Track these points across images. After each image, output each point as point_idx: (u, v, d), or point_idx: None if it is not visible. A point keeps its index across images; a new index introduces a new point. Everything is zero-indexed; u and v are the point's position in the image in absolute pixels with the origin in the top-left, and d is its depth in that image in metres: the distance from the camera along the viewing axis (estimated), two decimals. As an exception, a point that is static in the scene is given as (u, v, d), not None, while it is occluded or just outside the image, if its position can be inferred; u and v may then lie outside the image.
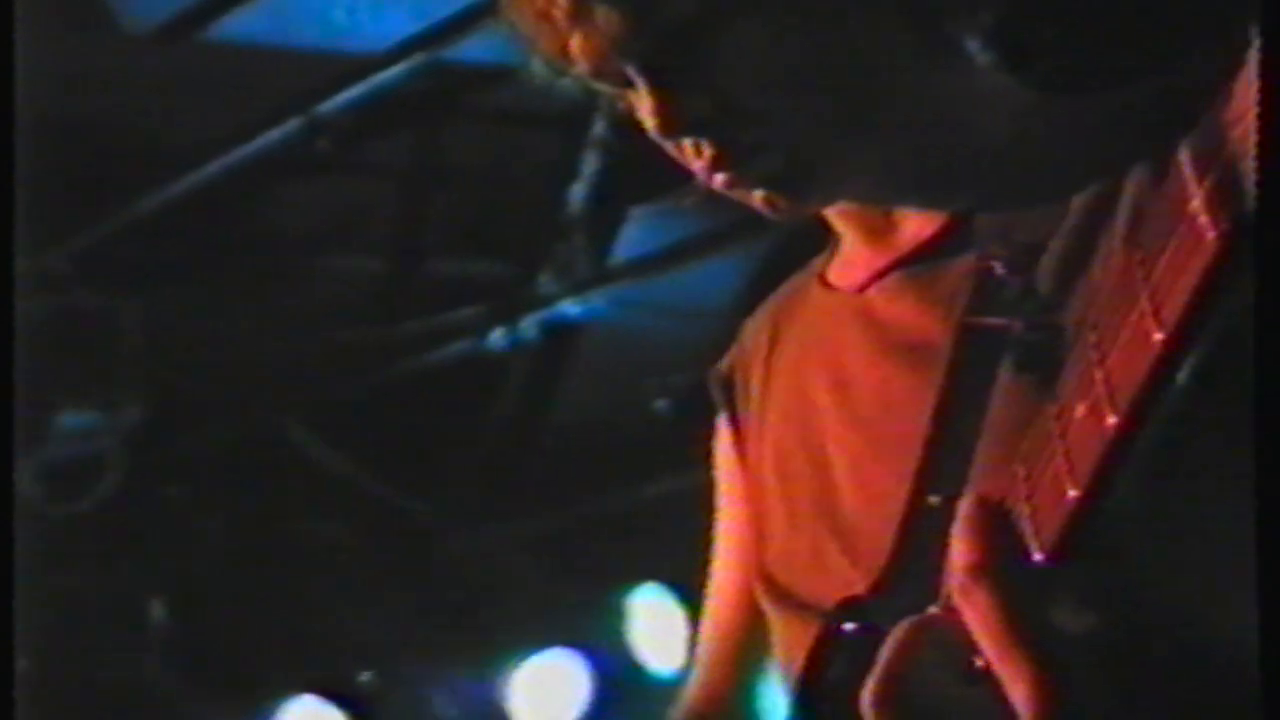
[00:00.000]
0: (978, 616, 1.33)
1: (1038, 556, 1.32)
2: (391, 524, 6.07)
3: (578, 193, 5.21)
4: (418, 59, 4.85)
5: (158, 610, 6.16)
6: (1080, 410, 1.28)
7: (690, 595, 5.61)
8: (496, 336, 5.56)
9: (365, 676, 6.32)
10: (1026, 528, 1.33)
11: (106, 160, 5.17)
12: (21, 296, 5.60)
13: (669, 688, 5.53)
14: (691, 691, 2.08)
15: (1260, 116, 1.08)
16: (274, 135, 5.06)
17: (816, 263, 1.93)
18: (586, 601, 6.03)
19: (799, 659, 1.78)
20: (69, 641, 6.17)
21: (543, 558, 6.05)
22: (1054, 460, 1.30)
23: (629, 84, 1.64)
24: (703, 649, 2.09)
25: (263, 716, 6.28)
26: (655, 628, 5.85)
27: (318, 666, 6.31)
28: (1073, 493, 1.28)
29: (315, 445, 5.89)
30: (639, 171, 5.03)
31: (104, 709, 6.26)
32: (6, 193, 3.48)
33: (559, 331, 5.54)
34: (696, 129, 1.63)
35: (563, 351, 5.65)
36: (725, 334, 2.07)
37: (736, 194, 1.69)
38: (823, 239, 1.90)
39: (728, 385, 2.00)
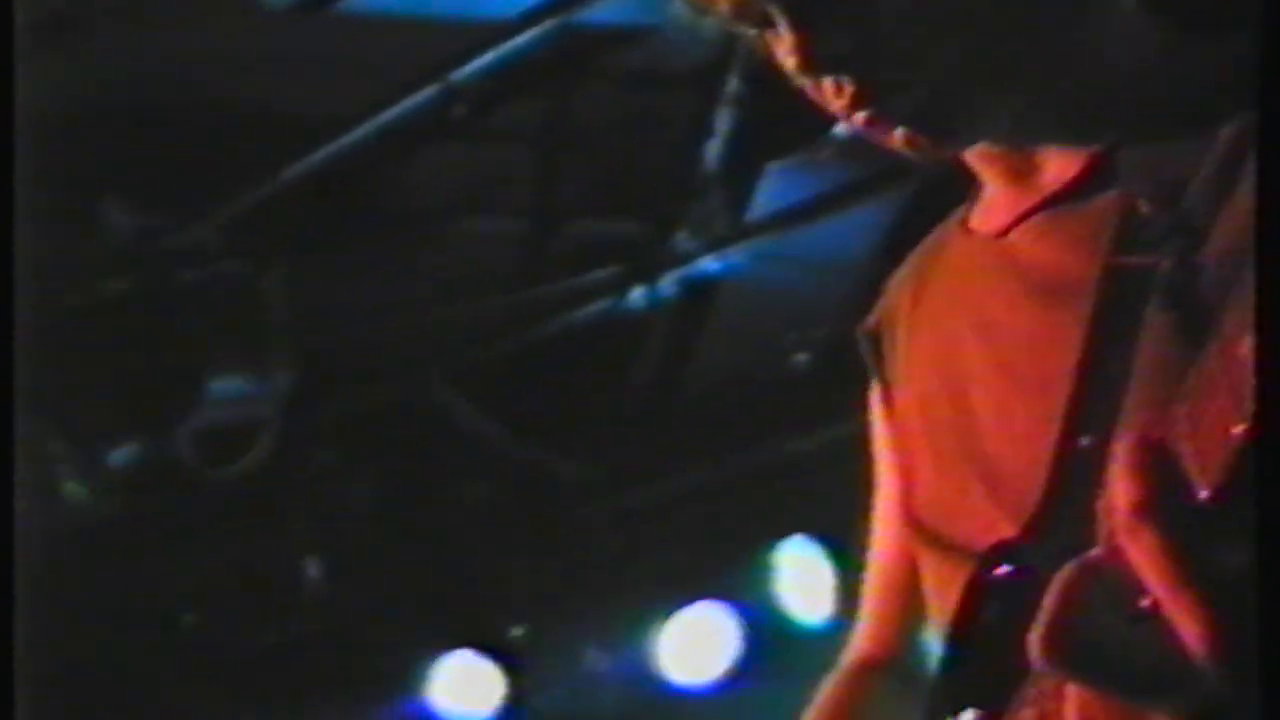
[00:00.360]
0: (1145, 556, 1.33)
1: (1203, 494, 1.32)
2: (538, 484, 6.13)
3: (714, 150, 5.22)
4: (549, 23, 4.89)
5: (313, 570, 6.26)
6: (1245, 346, 1.27)
7: (835, 546, 5.64)
8: (636, 296, 5.59)
9: (517, 632, 6.39)
10: (1190, 466, 1.33)
11: (250, 133, 5.26)
12: (171, 267, 5.70)
13: (816, 639, 5.56)
14: (858, 640, 2.11)
15: (1261, 119, 1.07)
16: (411, 103, 5.12)
17: (958, 211, 1.94)
18: (733, 555, 6.07)
19: (952, 603, 1.80)
20: (228, 602, 6.29)
21: (688, 514, 6.08)
22: (1217, 398, 1.30)
23: (769, 23, 1.65)
24: (868, 597, 2.11)
25: (419, 672, 6.37)
26: (802, 579, 5.87)
27: (471, 622, 6.39)
28: (1238, 429, 1.28)
29: (460, 408, 5.96)
30: (774, 127, 5.03)
31: (263, 667, 6.38)
32: (6, 192, 3.55)
33: (698, 289, 5.56)
34: (837, 66, 1.63)
35: (702, 309, 5.66)
36: (863, 287, 2.08)
37: (876, 136, 1.70)
38: (960, 190, 1.91)
39: (875, 339, 2.01)
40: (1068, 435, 1.63)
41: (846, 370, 2.08)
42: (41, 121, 5.18)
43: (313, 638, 6.30)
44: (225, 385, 5.72)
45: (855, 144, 4.75)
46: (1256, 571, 1.16)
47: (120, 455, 5.93)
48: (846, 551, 5.51)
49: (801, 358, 5.51)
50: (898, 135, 1.68)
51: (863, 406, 2.10)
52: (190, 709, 6.33)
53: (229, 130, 5.22)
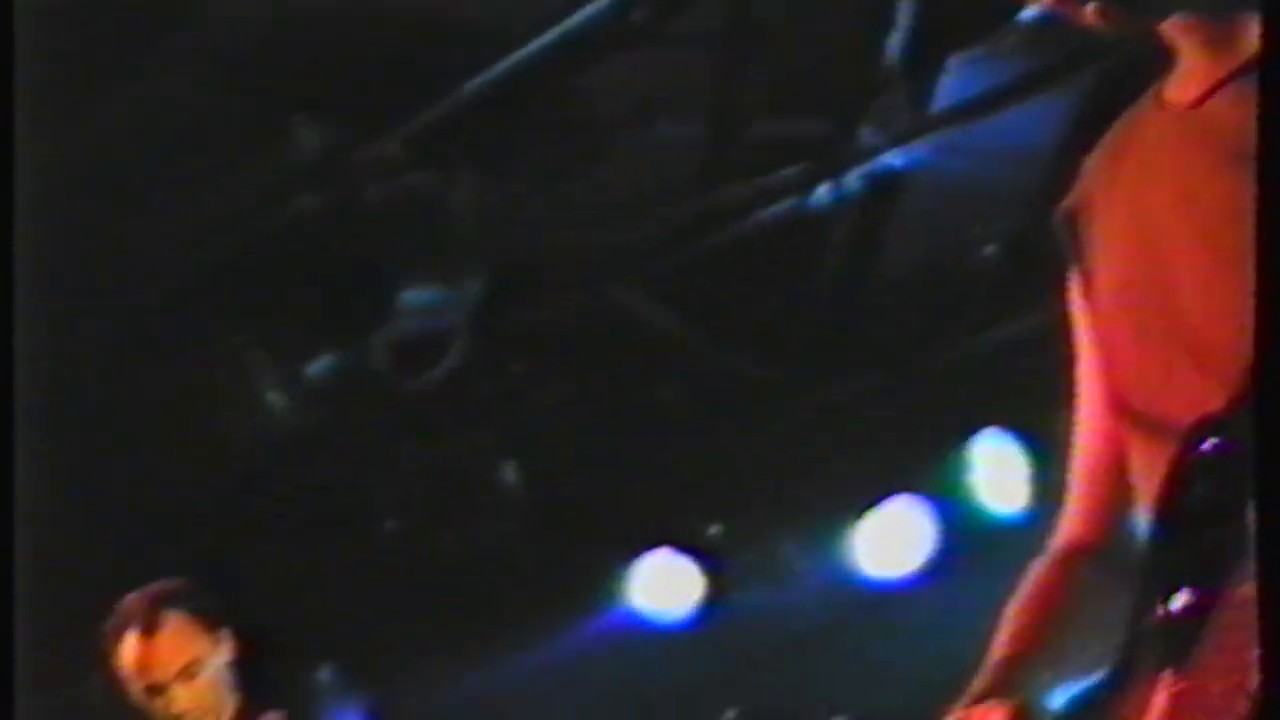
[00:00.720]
0: None
1: None
2: (731, 384, 6.15)
3: (895, 44, 5.18)
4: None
5: (510, 475, 6.35)
6: None
7: (1029, 438, 5.61)
8: (820, 193, 5.58)
9: (714, 531, 6.44)
10: None
11: (433, 47, 5.31)
12: (360, 182, 5.79)
13: (1012, 531, 5.55)
14: (1066, 526, 2.12)
15: (1261, 113, 1.05)
16: (590, 11, 5.13)
17: (1151, 89, 1.93)
18: (928, 450, 6.06)
19: (1159, 483, 1.80)
20: (427, 508, 6.41)
21: (880, 410, 6.07)
22: None
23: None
24: (1074, 484, 2.12)
25: (618, 572, 6.46)
26: (996, 472, 5.85)
27: (668, 523, 6.45)
28: None
29: (650, 311, 5.99)
30: (956, 19, 4.99)
31: (463, 572, 6.50)
32: (6, 195, 3.59)
33: (882, 184, 5.53)
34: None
35: (887, 204, 5.64)
36: (1050, 175, 2.08)
37: (1068, 12, 1.69)
38: (1145, 73, 1.89)
39: (1071, 224, 2.01)
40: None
41: (1036, 260, 2.08)
42: (231, 42, 5.29)
43: (511, 542, 6.39)
44: (417, 295, 5.80)
45: (1037, 32, 4.71)
46: (1257, 571, 1.15)
47: (318, 366, 6.05)
48: (1041, 443, 5.49)
49: (989, 249, 5.47)
50: (1090, 9, 1.67)
51: (1053, 295, 2.09)
52: (392, 613, 6.46)
53: (412, 45, 5.28)
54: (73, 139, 5.29)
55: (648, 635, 6.43)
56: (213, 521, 6.00)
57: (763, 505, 6.37)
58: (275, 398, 6.06)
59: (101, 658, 4.44)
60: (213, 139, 5.43)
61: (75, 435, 5.97)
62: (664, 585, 6.40)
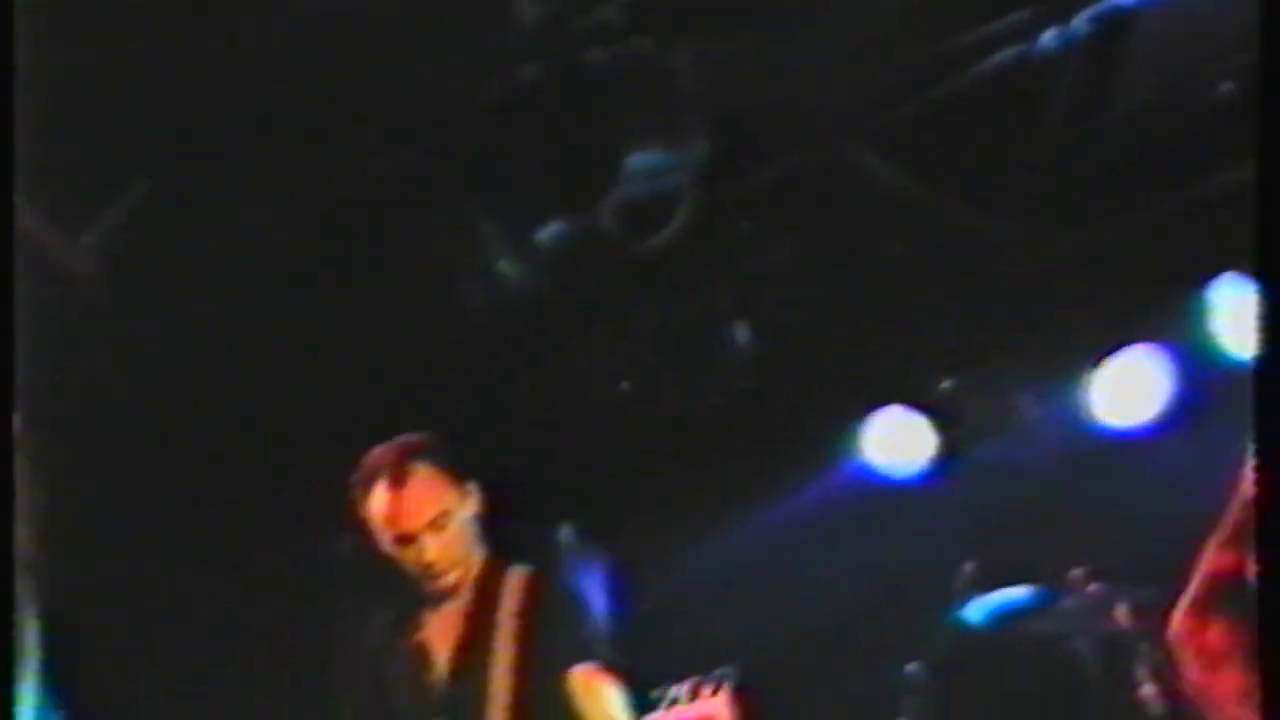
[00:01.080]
0: None
1: None
2: (961, 237, 6.10)
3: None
4: None
5: (741, 334, 6.37)
6: None
7: (1268, 282, 5.48)
8: (1048, 37, 5.48)
9: (947, 384, 6.42)
10: None
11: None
12: (580, 47, 5.79)
13: (1251, 374, 5.44)
14: None
15: (1260, 112, 1.01)
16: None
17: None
18: (1164, 297, 5.96)
19: None
20: (661, 369, 6.46)
21: (1114, 257, 5.99)
22: None
23: None
24: None
25: (852, 428, 6.47)
26: (1234, 317, 5.75)
27: (900, 378, 6.44)
28: None
29: (876, 167, 5.95)
30: None
31: (698, 431, 6.56)
32: (6, 198, 3.61)
33: (1111, 24, 5.41)
34: None
35: (1116, 45, 5.51)
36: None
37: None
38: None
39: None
40: None
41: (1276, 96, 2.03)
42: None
43: (744, 401, 6.43)
44: (643, 159, 5.82)
45: None
46: (1257, 571, 1.12)
47: (547, 233, 6.12)
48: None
49: (1226, 87, 5.34)
50: None
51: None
52: (629, 473, 6.55)
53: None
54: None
55: (883, 491, 6.45)
56: (452, 386, 6.11)
57: (996, 358, 6.33)
58: (507, 266, 6.14)
59: (350, 511, 4.53)
60: (435, 11, 5.49)
61: (330, 308, 6.12)
62: (898, 441, 6.41)
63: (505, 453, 4.77)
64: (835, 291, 6.25)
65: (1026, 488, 6.20)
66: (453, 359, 6.29)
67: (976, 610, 5.68)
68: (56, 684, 3.60)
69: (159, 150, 5.93)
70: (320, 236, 6.09)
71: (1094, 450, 6.17)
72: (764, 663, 4.35)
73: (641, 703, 4.18)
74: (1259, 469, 1.14)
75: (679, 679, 4.08)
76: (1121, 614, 5.57)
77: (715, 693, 3.98)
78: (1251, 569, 1.99)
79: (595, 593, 4.60)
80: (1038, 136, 5.79)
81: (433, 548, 4.38)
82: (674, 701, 4.01)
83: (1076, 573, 5.68)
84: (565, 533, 5.74)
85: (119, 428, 6.21)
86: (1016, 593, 5.66)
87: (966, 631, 5.72)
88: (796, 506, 6.54)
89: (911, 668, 5.71)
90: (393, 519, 4.41)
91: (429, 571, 4.40)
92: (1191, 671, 2.98)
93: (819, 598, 6.40)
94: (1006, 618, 5.68)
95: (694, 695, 4.00)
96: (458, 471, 4.45)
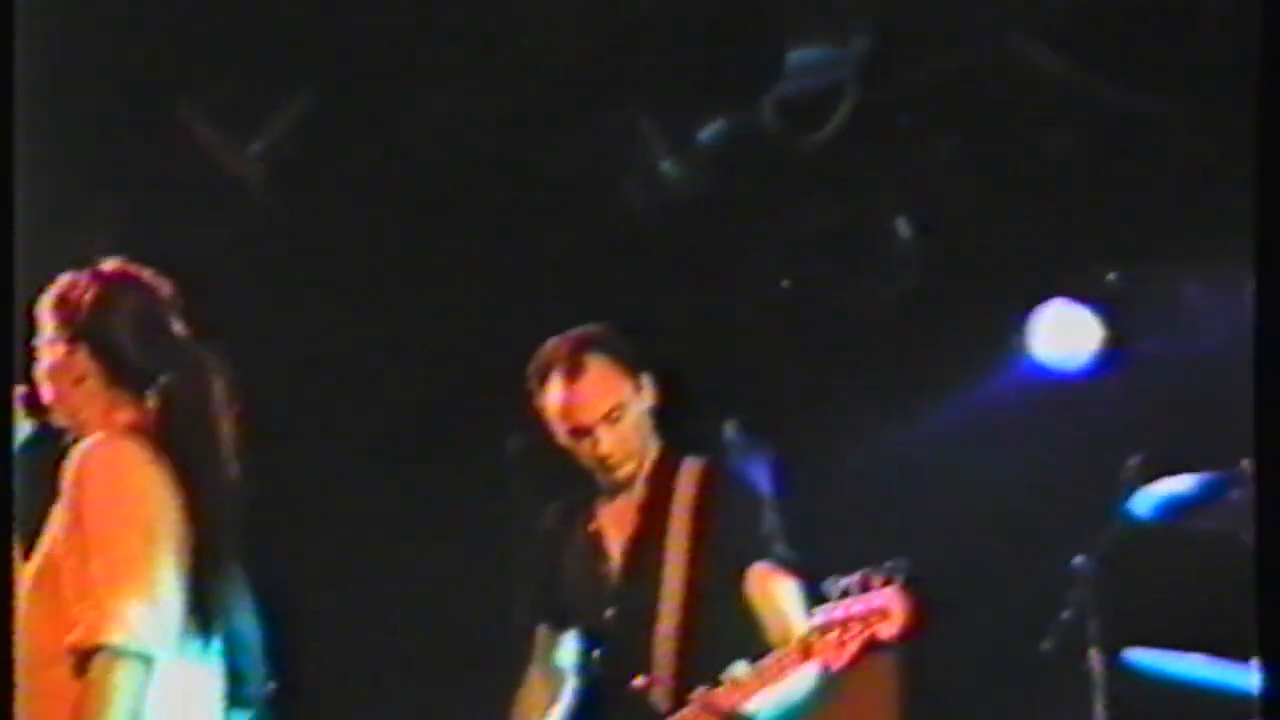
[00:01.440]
0: None
1: None
2: (1123, 127, 6.02)
3: None
4: None
5: (902, 229, 6.35)
6: None
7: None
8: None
9: (1113, 276, 6.36)
10: None
11: None
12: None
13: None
14: None
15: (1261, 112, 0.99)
16: None
17: None
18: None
19: None
20: (823, 264, 6.46)
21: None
22: None
23: None
24: None
25: (1018, 323, 6.44)
26: None
27: (1065, 270, 6.39)
28: None
29: (1039, 56, 5.88)
30: None
31: (863, 329, 6.55)
32: (6, 203, 3.60)
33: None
34: None
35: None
36: None
37: None
38: None
39: None
40: None
41: None
42: None
43: (908, 297, 6.41)
44: (803, 54, 5.80)
45: None
46: (1257, 571, 1.11)
47: (709, 131, 6.12)
48: None
49: None
50: None
51: None
52: (792, 371, 6.56)
53: None
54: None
55: (1049, 385, 6.41)
56: (617, 285, 6.14)
57: (1162, 248, 6.25)
58: (669, 166, 6.15)
59: (525, 406, 4.53)
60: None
61: (498, 209, 6.18)
62: (1064, 334, 6.37)
63: (671, 349, 4.78)
64: (999, 185, 6.20)
65: (1194, 379, 6.13)
66: (617, 258, 6.32)
67: (1143, 503, 5.64)
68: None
69: (325, 57, 6.00)
70: (484, 140, 6.13)
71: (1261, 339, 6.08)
72: (931, 556, 4.35)
73: (812, 594, 4.20)
74: (1259, 467, 1.15)
75: (849, 572, 4.08)
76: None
77: (886, 584, 3.98)
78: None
79: (766, 488, 4.62)
80: (1205, 22, 5.69)
81: (608, 440, 4.39)
82: (845, 593, 4.00)
83: (1244, 464, 5.64)
84: (731, 429, 5.76)
85: (288, 335, 6.31)
86: (1183, 485, 5.61)
87: (1133, 524, 5.69)
88: (962, 401, 6.52)
89: (1078, 561, 5.69)
90: (568, 411, 4.41)
91: (604, 464, 4.42)
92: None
93: (985, 492, 6.38)
94: (1173, 510, 5.63)
95: (865, 587, 3.98)
96: (631, 363, 4.44)
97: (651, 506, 4.44)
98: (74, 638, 3.48)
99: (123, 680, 3.46)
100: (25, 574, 3.62)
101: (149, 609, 3.49)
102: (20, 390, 3.75)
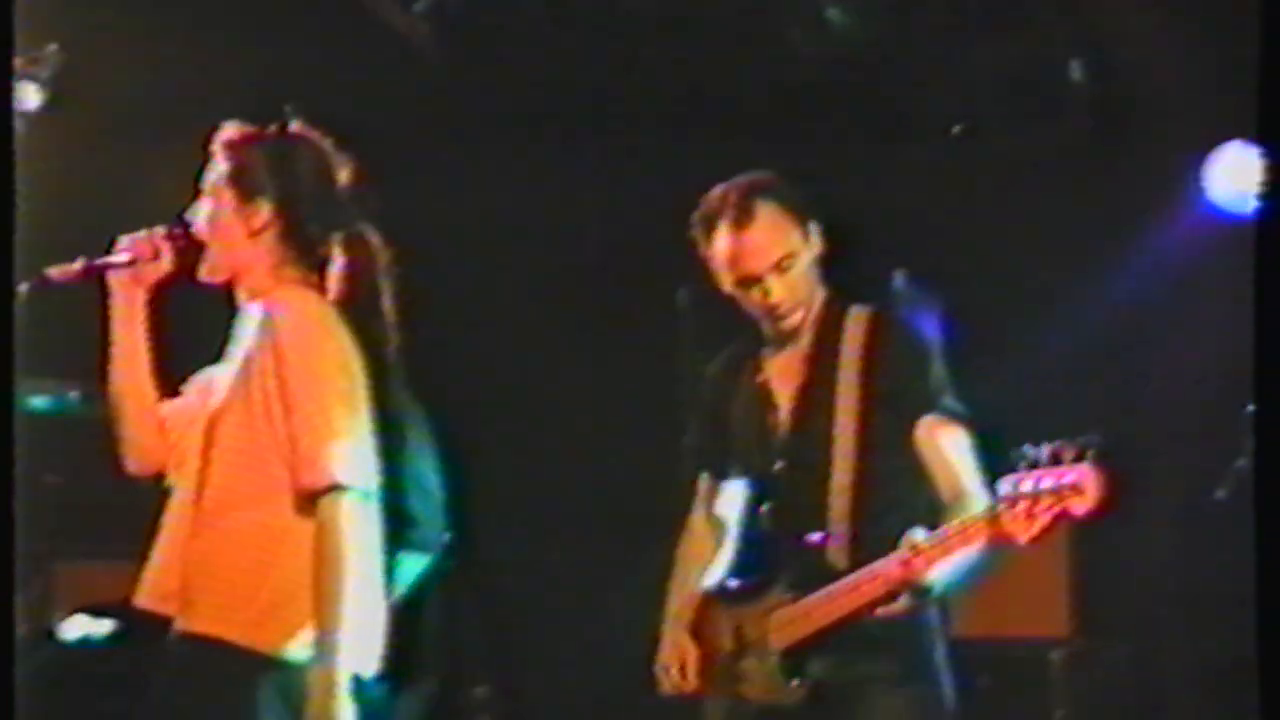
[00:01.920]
0: None
1: None
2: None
3: None
4: None
5: (1077, 73, 6.22)
6: None
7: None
8: None
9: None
10: None
11: None
12: None
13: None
14: None
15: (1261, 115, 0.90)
16: None
17: None
18: None
19: None
20: (994, 110, 6.35)
21: None
22: None
23: None
24: None
25: (1195, 165, 6.31)
26: None
27: (1244, 111, 6.23)
28: None
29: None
30: None
31: (1033, 174, 6.45)
32: (7, 201, 3.50)
33: None
34: None
35: None
36: None
37: None
38: None
39: None
40: None
41: None
42: None
43: (1080, 140, 6.31)
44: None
45: None
46: (1257, 572, 1.04)
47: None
48: None
49: None
50: None
51: None
52: (959, 217, 6.49)
53: None
54: None
55: (1228, 228, 6.28)
56: (785, 134, 6.09)
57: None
58: (835, 13, 6.06)
59: (691, 255, 4.41)
60: None
61: (666, 55, 6.12)
62: (1241, 177, 6.24)
63: (839, 197, 4.68)
64: (1173, 24, 6.05)
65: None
66: (784, 106, 6.27)
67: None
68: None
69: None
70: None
71: None
72: (1108, 414, 4.23)
73: (997, 462, 4.02)
74: (1259, 467, 1.09)
75: (1023, 433, 3.92)
76: None
77: (1079, 459, 3.78)
78: None
79: (935, 337, 4.48)
80: None
81: (777, 289, 4.28)
82: (1034, 464, 3.83)
83: None
84: (900, 279, 5.66)
85: (456, 190, 6.35)
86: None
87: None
88: (1136, 247, 6.41)
89: (1250, 409, 5.60)
90: (737, 259, 4.30)
91: (772, 313, 4.32)
92: None
93: (1161, 344, 6.30)
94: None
95: (1055, 459, 3.80)
96: (800, 211, 4.32)
97: (819, 358, 4.32)
98: (307, 479, 3.58)
99: (357, 515, 3.58)
100: (194, 425, 3.72)
101: (364, 451, 3.61)
102: (162, 230, 3.80)
